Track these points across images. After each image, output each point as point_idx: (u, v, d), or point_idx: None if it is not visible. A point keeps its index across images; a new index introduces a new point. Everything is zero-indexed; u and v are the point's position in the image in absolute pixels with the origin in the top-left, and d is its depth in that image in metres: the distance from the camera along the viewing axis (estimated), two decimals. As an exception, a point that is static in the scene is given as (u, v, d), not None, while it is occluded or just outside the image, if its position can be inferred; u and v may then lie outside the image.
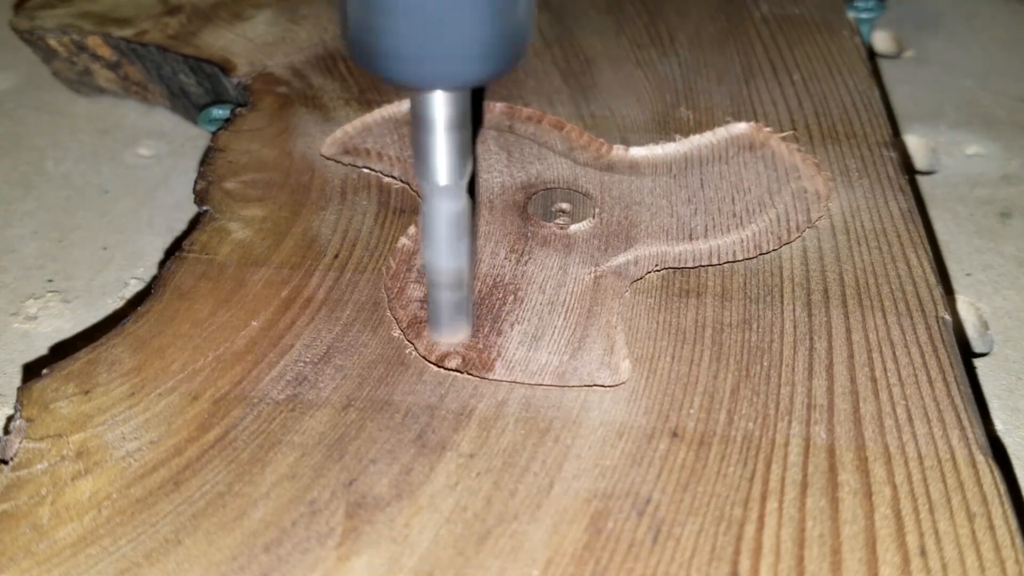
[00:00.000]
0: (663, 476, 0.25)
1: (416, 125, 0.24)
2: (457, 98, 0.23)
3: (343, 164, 0.37)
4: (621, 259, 0.32)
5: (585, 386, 0.27)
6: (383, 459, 0.25)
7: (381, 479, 0.24)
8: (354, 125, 0.39)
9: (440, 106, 0.23)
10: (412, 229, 0.33)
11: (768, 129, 0.38)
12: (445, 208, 0.25)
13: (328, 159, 0.37)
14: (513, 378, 0.28)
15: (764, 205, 0.35)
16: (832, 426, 0.26)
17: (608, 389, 0.27)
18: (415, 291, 0.31)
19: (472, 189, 0.26)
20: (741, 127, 0.38)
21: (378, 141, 0.38)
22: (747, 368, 0.28)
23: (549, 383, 0.28)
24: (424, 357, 0.28)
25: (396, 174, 0.36)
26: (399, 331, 0.29)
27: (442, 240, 0.26)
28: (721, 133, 0.38)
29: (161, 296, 0.30)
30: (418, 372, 0.28)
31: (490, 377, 0.28)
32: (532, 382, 0.28)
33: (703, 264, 0.32)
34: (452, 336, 0.29)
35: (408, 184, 0.36)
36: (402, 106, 0.40)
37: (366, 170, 0.36)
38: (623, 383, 0.27)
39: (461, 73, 0.22)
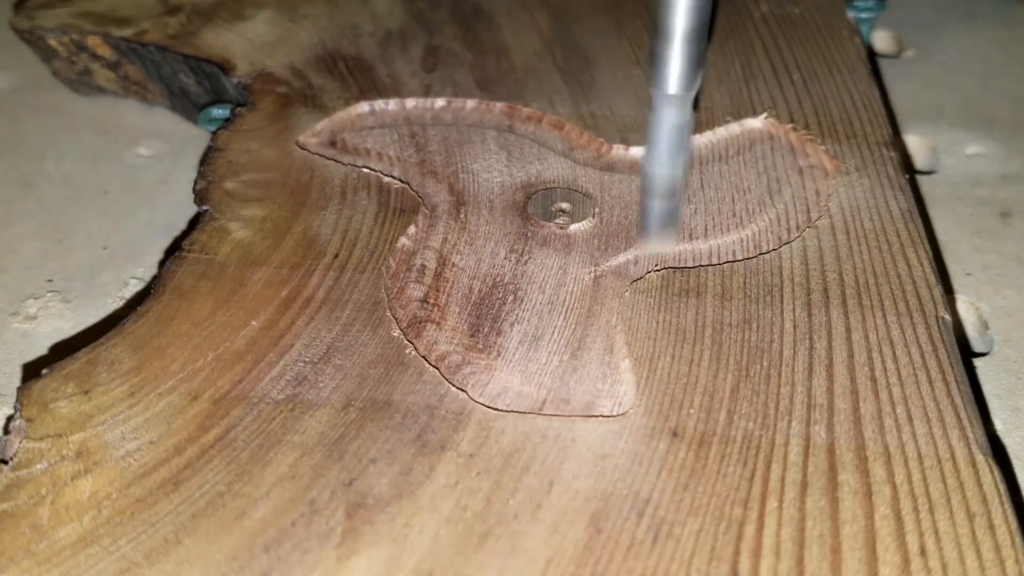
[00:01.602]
0: (663, 476, 0.25)
1: (656, 33, 0.25)
2: (699, 5, 0.24)
3: (343, 164, 0.37)
4: (621, 259, 0.32)
5: (586, 416, 0.26)
6: (383, 459, 0.25)
7: (381, 479, 0.24)
8: (335, 119, 0.39)
9: (682, 15, 0.24)
10: (412, 229, 0.33)
11: (789, 125, 0.38)
12: (670, 117, 0.27)
13: (313, 153, 0.37)
14: (512, 381, 0.28)
15: (764, 205, 0.35)
16: (832, 426, 0.26)
17: (609, 390, 0.27)
18: (415, 291, 0.31)
19: (696, 105, 0.28)
20: (756, 122, 0.38)
21: (378, 140, 0.38)
22: (747, 368, 0.28)
23: (552, 412, 0.27)
24: (424, 357, 0.28)
25: (396, 174, 0.36)
26: (399, 331, 0.29)
27: (662, 149, 0.27)
28: (721, 132, 0.38)
29: (161, 296, 0.30)
30: (418, 372, 0.28)
31: (489, 405, 0.27)
32: (535, 411, 0.27)
33: (703, 264, 0.32)
34: (660, 243, 0.30)
35: (408, 184, 0.36)
36: (398, 104, 0.40)
37: (366, 170, 0.36)
38: (624, 413, 0.26)
39: None
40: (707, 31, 0.25)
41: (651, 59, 0.26)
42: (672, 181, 0.28)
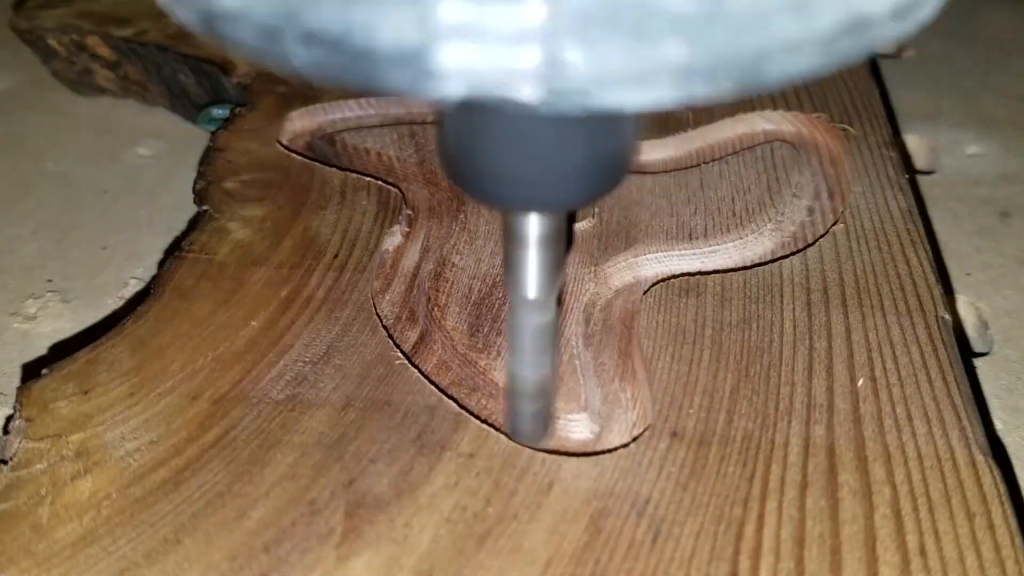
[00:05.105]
0: (663, 476, 0.25)
1: (508, 240, 0.23)
2: (552, 218, 0.22)
3: (339, 167, 0.37)
4: (621, 259, 0.32)
5: (563, 454, 0.25)
6: (383, 459, 0.25)
7: (381, 479, 0.24)
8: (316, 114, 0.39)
9: (535, 226, 0.22)
10: (411, 229, 0.33)
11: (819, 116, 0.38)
12: (532, 320, 0.24)
13: (289, 150, 0.37)
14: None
15: (764, 205, 0.35)
16: (832, 426, 0.26)
17: (609, 391, 0.27)
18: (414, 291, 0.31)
19: (560, 300, 0.26)
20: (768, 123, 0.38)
21: (378, 140, 0.38)
22: (747, 368, 0.28)
23: (541, 448, 0.26)
24: (418, 368, 0.28)
25: (395, 177, 0.36)
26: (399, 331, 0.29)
27: (527, 351, 0.25)
28: (721, 132, 0.38)
29: (161, 296, 0.30)
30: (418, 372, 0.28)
31: (476, 413, 0.27)
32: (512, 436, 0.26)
33: (703, 264, 0.32)
34: (531, 441, 0.27)
35: (400, 189, 0.36)
36: (399, 104, 0.40)
37: (360, 174, 0.36)
38: (604, 452, 0.26)
39: (559, 198, 0.20)
40: (564, 236, 0.23)
41: (505, 263, 0.23)
42: (541, 381, 0.25)
